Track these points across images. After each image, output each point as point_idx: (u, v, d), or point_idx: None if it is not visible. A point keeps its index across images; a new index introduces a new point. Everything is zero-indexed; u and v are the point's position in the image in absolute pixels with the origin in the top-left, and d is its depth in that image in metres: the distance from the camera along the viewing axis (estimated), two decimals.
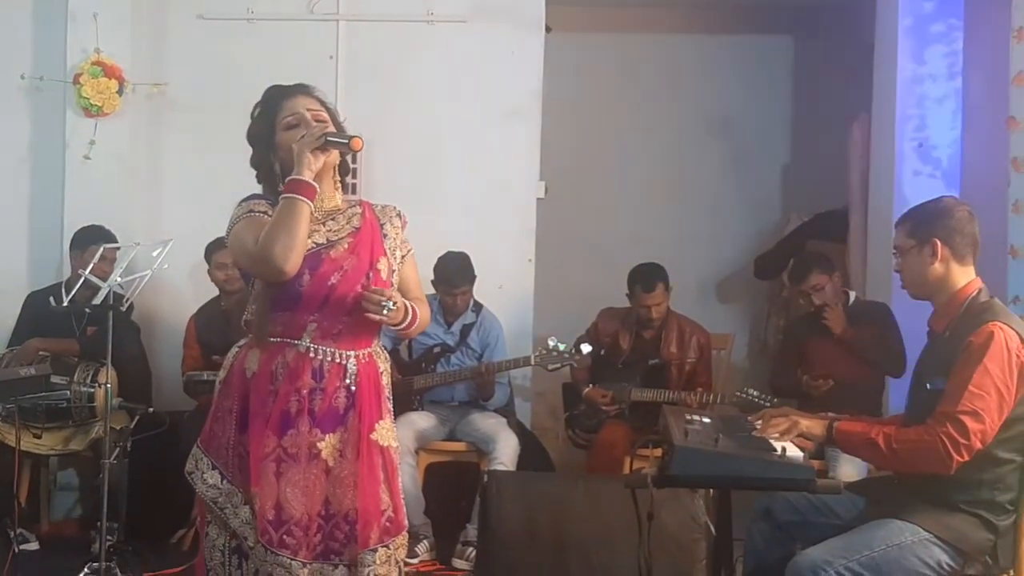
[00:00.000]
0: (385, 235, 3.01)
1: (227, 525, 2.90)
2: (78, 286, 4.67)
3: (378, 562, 2.89)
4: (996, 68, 5.51)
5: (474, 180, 5.96)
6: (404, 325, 2.96)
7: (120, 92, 5.71)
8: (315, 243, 2.90)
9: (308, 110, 2.96)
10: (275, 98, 3.01)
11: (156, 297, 5.76)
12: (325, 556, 2.89)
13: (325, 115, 2.98)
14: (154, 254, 4.62)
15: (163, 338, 5.90)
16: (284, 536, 2.83)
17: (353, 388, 2.92)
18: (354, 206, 3.04)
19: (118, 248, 5.03)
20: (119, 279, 4.55)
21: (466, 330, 5.49)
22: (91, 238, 5.20)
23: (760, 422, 3.33)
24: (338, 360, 2.90)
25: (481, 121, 5.99)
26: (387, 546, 2.91)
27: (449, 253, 5.35)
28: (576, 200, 7.04)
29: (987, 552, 3.12)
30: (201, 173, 5.94)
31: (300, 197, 2.78)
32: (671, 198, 7.32)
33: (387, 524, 2.92)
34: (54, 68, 5.79)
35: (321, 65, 5.92)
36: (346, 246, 2.92)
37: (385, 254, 2.98)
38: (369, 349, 2.98)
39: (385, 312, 2.83)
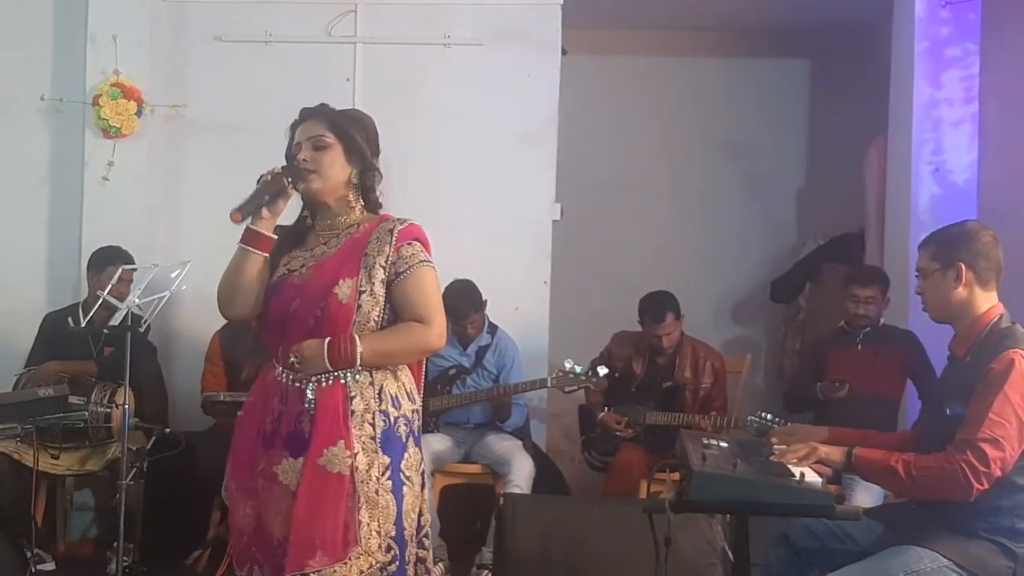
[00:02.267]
0: (365, 254, 2.95)
1: None
2: (96, 307, 4.69)
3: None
4: (1013, 92, 5.53)
5: (490, 202, 5.97)
6: (342, 366, 2.89)
7: (139, 113, 5.74)
8: (288, 270, 2.99)
9: (309, 138, 2.99)
10: (294, 124, 3.08)
11: (172, 317, 5.78)
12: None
13: (329, 139, 2.99)
14: (172, 275, 4.64)
15: (179, 358, 5.92)
16: (256, 554, 2.93)
17: (312, 413, 2.89)
18: (359, 225, 3.02)
19: (135, 269, 5.05)
20: (137, 300, 4.57)
21: (482, 352, 5.49)
22: (108, 259, 5.22)
23: (776, 444, 3.32)
24: (298, 384, 2.93)
25: (497, 143, 6.00)
26: (318, 572, 2.82)
27: (455, 282, 5.29)
28: (592, 223, 7.05)
29: None
30: (219, 194, 5.86)
31: (245, 247, 2.95)
32: (687, 221, 7.32)
33: (323, 549, 2.82)
34: (73, 89, 5.82)
35: (338, 87, 5.95)
36: (308, 274, 2.95)
37: (356, 275, 2.92)
38: (336, 374, 2.91)
39: (292, 362, 2.89)
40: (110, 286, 4.66)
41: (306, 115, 3.05)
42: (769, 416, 5.00)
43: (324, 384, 2.90)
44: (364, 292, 2.92)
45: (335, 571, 2.83)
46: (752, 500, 2.94)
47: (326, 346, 2.87)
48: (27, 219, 5.93)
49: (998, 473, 3.01)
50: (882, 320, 5.38)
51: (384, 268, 2.94)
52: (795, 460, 3.18)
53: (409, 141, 5.82)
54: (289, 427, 2.90)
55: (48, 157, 5.94)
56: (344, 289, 2.89)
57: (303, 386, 2.90)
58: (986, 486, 3.01)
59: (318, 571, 2.82)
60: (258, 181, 2.95)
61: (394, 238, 2.96)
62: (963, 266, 3.21)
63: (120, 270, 4.81)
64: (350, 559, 2.84)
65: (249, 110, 5.96)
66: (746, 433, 4.82)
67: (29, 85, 5.89)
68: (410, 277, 2.95)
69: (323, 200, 3.00)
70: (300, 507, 2.83)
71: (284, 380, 2.94)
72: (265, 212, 2.92)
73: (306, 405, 2.89)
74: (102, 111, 5.69)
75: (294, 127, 3.07)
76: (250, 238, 2.92)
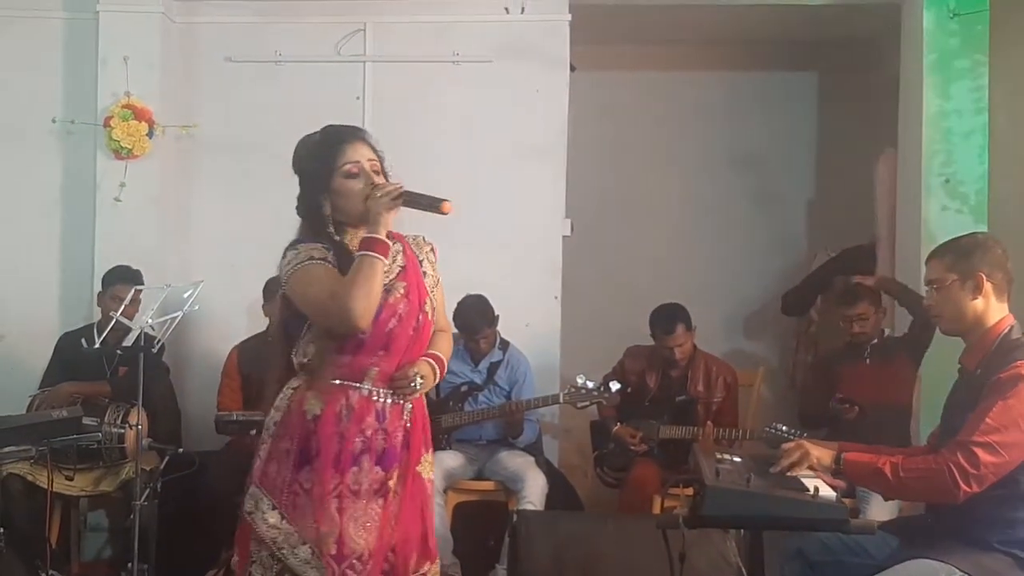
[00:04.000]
0: (424, 273, 3.12)
1: (272, 566, 2.93)
2: (109, 328, 4.71)
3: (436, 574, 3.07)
4: (1022, 103, 5.52)
5: (500, 218, 5.97)
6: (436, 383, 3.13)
7: (150, 134, 5.77)
8: None
9: (368, 160, 3.03)
10: (334, 140, 3.06)
11: (185, 337, 5.79)
12: None
13: (379, 164, 3.06)
14: (185, 295, 4.67)
15: (192, 378, 5.93)
16: (347, 570, 2.91)
17: (409, 425, 3.04)
18: (394, 243, 3.06)
19: (141, 289, 5.08)
20: (150, 320, 4.59)
21: (493, 368, 5.49)
22: (113, 278, 5.27)
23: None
24: (399, 401, 3.03)
25: (507, 160, 6.01)
26: (424, 573, 3.06)
27: (467, 298, 5.33)
28: (602, 237, 7.04)
29: None
30: (231, 213, 5.99)
31: (377, 256, 2.89)
32: (697, 235, 7.32)
33: (423, 551, 3.06)
34: (85, 111, 5.86)
35: (348, 106, 5.97)
36: (401, 291, 3.02)
37: (428, 294, 3.09)
38: None
39: (416, 387, 2.99)
40: (124, 307, 4.69)
41: (356, 136, 3.08)
42: (784, 428, 5.01)
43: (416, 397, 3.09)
44: (434, 310, 3.12)
45: (428, 570, 3.08)
46: (766, 515, 2.93)
47: (436, 368, 3.07)
48: (40, 241, 5.95)
49: (991, 479, 3.00)
50: (887, 332, 5.38)
51: (432, 288, 3.14)
52: (788, 464, 3.18)
53: (419, 158, 5.84)
54: (385, 443, 2.99)
55: (60, 179, 5.97)
56: (427, 308, 3.07)
57: (403, 402, 3.03)
58: (976, 489, 2.99)
59: (424, 572, 3.06)
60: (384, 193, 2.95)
61: (435, 257, 3.20)
62: (983, 276, 3.20)
63: (133, 291, 4.84)
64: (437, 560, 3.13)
65: (260, 130, 5.98)
66: (763, 445, 4.82)
67: (40, 107, 5.92)
68: (439, 289, 3.18)
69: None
70: (407, 513, 3.02)
71: (380, 399, 3.00)
72: (389, 221, 2.95)
73: (404, 418, 3.03)
74: (113, 132, 5.72)
75: (337, 142, 3.05)
76: (378, 247, 2.90)
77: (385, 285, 2.97)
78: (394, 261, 3.04)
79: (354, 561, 2.91)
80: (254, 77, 6.07)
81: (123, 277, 5.24)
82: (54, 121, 5.89)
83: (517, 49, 6.05)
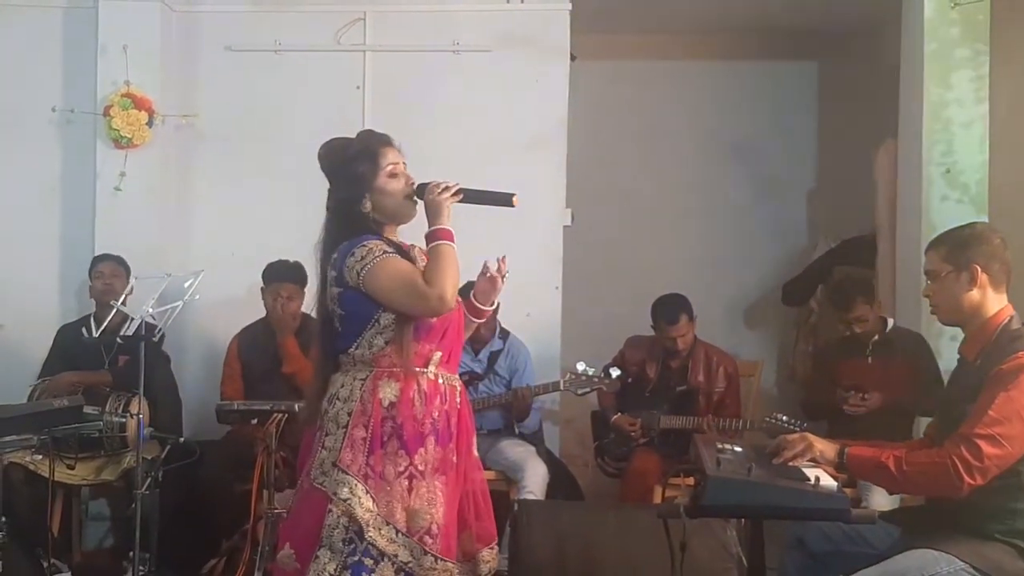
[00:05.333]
0: None
1: (342, 550, 3.07)
2: (110, 318, 4.72)
3: (493, 558, 3.28)
4: (1023, 92, 5.51)
5: (501, 208, 5.95)
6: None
7: (150, 124, 5.77)
8: None
9: (402, 163, 3.29)
10: (376, 144, 3.27)
11: (185, 326, 5.78)
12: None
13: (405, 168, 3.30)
14: (185, 285, 4.68)
15: (192, 367, 5.94)
16: (434, 543, 3.11)
17: (459, 407, 3.25)
18: (413, 248, 3.32)
19: (106, 259, 5.40)
20: (151, 310, 4.59)
21: (493, 357, 5.49)
22: (94, 262, 5.47)
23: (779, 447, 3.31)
24: (455, 384, 3.26)
25: (507, 149, 6.00)
26: (494, 545, 3.31)
27: (467, 283, 5.33)
28: (602, 227, 7.04)
29: None
30: (231, 203, 5.99)
31: (450, 244, 3.14)
32: (697, 225, 7.32)
33: (489, 525, 3.31)
34: (84, 100, 5.86)
35: (348, 95, 5.98)
36: None
37: None
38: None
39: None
40: (124, 296, 4.72)
41: (391, 141, 3.31)
42: (784, 418, 5.01)
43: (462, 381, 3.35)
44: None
45: (489, 552, 3.30)
46: (767, 504, 2.93)
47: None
48: (39, 230, 5.96)
49: (994, 471, 3.00)
50: (890, 323, 5.36)
51: None
52: (791, 456, 3.19)
53: (418, 148, 5.80)
54: (448, 424, 3.20)
55: (60, 168, 5.98)
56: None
57: (456, 385, 3.26)
58: (979, 482, 2.99)
59: (494, 545, 3.33)
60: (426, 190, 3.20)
61: None
62: (978, 268, 3.20)
63: (134, 281, 4.93)
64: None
65: (259, 119, 5.99)
66: (764, 435, 4.82)
67: (40, 96, 5.92)
68: None
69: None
70: (472, 489, 3.27)
71: (444, 383, 3.21)
72: (450, 213, 3.19)
73: (457, 400, 3.24)
74: (113, 122, 5.72)
75: (379, 145, 3.26)
76: (448, 235, 3.16)
77: None
78: (423, 261, 3.25)
79: (425, 537, 3.09)
80: (254, 66, 6.06)
81: (102, 259, 5.42)
82: (54, 110, 5.89)
83: (517, 38, 6.05)
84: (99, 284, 5.37)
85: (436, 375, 3.19)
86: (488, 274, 3.44)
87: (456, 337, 3.28)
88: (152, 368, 4.91)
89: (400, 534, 3.07)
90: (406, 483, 3.10)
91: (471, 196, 3.22)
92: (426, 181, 3.22)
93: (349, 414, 3.13)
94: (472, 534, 3.24)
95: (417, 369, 3.15)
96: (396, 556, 3.06)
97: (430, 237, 3.15)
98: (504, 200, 3.25)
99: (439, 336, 3.20)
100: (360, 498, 3.06)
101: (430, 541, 3.08)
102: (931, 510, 3.30)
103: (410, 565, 3.07)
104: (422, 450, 3.12)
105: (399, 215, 3.26)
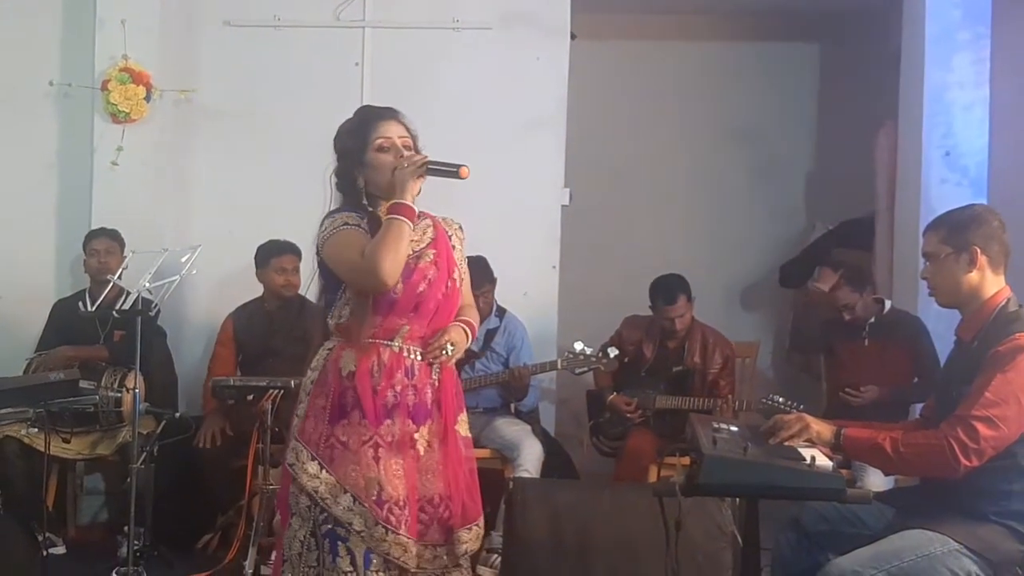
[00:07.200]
0: (454, 247, 3.31)
1: (309, 517, 3.09)
2: (106, 292, 4.71)
3: (472, 539, 3.22)
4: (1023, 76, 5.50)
5: (499, 187, 5.93)
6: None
7: (148, 98, 5.74)
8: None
9: (399, 137, 3.21)
10: (369, 119, 3.25)
11: (182, 301, 5.78)
12: (420, 537, 3.14)
13: (411, 141, 3.24)
14: (183, 260, 4.67)
15: (188, 342, 5.93)
16: (388, 515, 3.06)
17: (437, 384, 3.21)
18: (423, 218, 3.25)
19: (100, 233, 5.40)
20: (147, 284, 4.59)
21: (490, 335, 5.49)
22: (87, 237, 5.46)
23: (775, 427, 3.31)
24: (428, 362, 3.19)
25: (506, 128, 5.99)
26: (476, 525, 3.24)
27: (468, 258, 5.34)
28: (601, 207, 7.03)
29: (1017, 563, 3.09)
30: (228, 179, 5.98)
31: (403, 219, 3.06)
32: (696, 205, 7.31)
33: (471, 504, 3.23)
34: (82, 74, 5.82)
35: (347, 72, 5.96)
36: (430, 257, 3.20)
37: (457, 265, 3.28)
38: None
39: (448, 354, 3.17)
40: (121, 270, 4.72)
41: (390, 115, 3.26)
42: (780, 400, 5.02)
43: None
44: (462, 281, 3.30)
45: (479, 525, 3.26)
46: (762, 484, 2.93)
47: (468, 335, 3.27)
48: (36, 205, 5.93)
49: (990, 452, 3.00)
50: (887, 304, 5.37)
51: (460, 262, 3.32)
52: (788, 436, 3.19)
53: (417, 125, 5.79)
54: (415, 399, 3.16)
55: (57, 142, 5.95)
56: (455, 276, 3.24)
57: (431, 362, 3.19)
58: (975, 463, 3.00)
59: (476, 524, 3.25)
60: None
61: (463, 235, 3.38)
62: (977, 250, 3.19)
63: (131, 255, 4.93)
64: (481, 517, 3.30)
65: (258, 94, 5.97)
66: (760, 416, 4.83)
67: (37, 70, 5.89)
68: (464, 264, 3.38)
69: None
70: (452, 468, 3.20)
71: (410, 356, 3.16)
72: (414, 188, 3.12)
73: (433, 377, 3.20)
74: (111, 96, 5.69)
75: (372, 120, 3.22)
76: (405, 211, 3.07)
77: (416, 251, 3.17)
78: (424, 233, 3.23)
79: (393, 506, 3.07)
80: (252, 41, 6.03)
81: (97, 234, 5.41)
82: (51, 84, 5.87)
83: (518, 16, 6.02)
84: (94, 261, 5.36)
85: (401, 348, 3.14)
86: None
87: (437, 313, 3.19)
88: (148, 343, 4.90)
89: (357, 502, 3.05)
90: (371, 452, 3.08)
91: (433, 169, 3.14)
92: (414, 155, 3.17)
93: (312, 382, 3.19)
94: (453, 512, 3.19)
95: (378, 341, 3.12)
96: (351, 524, 3.05)
97: (387, 211, 3.11)
98: (453, 171, 3.13)
99: (408, 311, 3.14)
100: (304, 464, 3.09)
101: (398, 512, 3.06)
102: (926, 491, 3.30)
103: (362, 534, 3.05)
104: (388, 421, 3.11)
105: (391, 190, 3.17)
